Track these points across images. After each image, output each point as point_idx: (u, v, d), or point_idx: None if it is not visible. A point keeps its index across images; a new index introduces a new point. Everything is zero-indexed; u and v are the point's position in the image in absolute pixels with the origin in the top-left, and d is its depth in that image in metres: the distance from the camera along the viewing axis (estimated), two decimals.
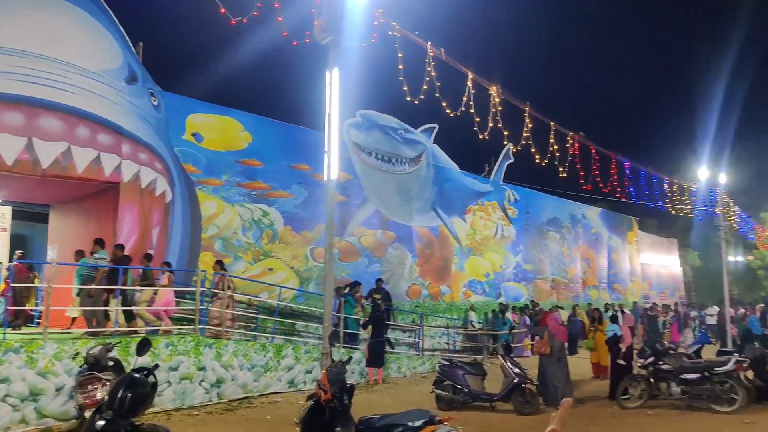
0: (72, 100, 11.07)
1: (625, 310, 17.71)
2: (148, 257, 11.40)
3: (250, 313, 12.89)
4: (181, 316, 11.48)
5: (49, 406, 8.35)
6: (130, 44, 12.54)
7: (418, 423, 4.57)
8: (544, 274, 24.83)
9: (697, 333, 18.57)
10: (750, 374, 10.48)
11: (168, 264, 11.65)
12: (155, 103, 12.98)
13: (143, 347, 5.38)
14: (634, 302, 26.37)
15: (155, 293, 10.75)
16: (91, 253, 10.49)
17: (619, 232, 31.26)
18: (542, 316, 14.60)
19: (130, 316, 10.66)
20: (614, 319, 12.64)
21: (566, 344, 11.43)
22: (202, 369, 10.04)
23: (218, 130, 14.13)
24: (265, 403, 10.33)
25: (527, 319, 19.02)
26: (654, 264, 34.50)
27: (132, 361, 5.94)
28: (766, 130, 36.74)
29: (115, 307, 10.39)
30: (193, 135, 13.63)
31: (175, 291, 11.18)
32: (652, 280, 34.10)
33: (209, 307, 11.19)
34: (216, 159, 13.90)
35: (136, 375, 4.25)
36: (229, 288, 11.42)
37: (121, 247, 10.99)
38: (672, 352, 10.97)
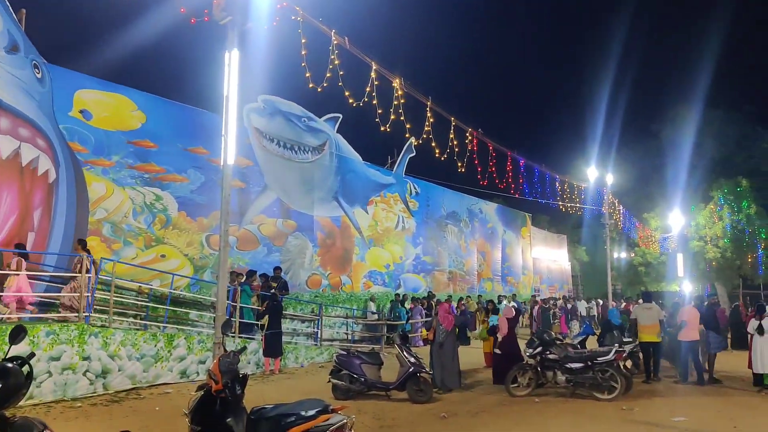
0: None
1: (505, 302, 18.54)
2: None
3: (140, 301, 12.23)
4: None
5: None
6: (11, 10, 11.52)
7: (311, 412, 4.51)
8: (442, 266, 25.49)
9: (583, 325, 19.74)
10: (629, 363, 11.21)
11: (19, 246, 10.73)
12: (39, 75, 12.03)
13: (17, 335, 4.97)
14: (532, 295, 27.79)
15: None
16: None
17: (513, 227, 32.70)
18: (438, 307, 14.94)
19: None
20: (496, 311, 13.23)
21: (454, 332, 11.79)
22: (86, 359, 9.45)
23: (109, 108, 13.30)
24: (155, 395, 9.87)
25: (421, 309, 19.42)
26: (545, 258, 36.40)
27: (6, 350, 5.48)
28: (650, 135, 39.27)
29: None
30: (81, 112, 12.75)
31: (58, 276, 10.40)
32: (543, 273, 35.97)
33: (62, 291, 10.50)
34: (106, 138, 13.08)
35: (8, 364, 3.93)
36: (87, 271, 10.51)
37: None
38: (559, 342, 11.55)
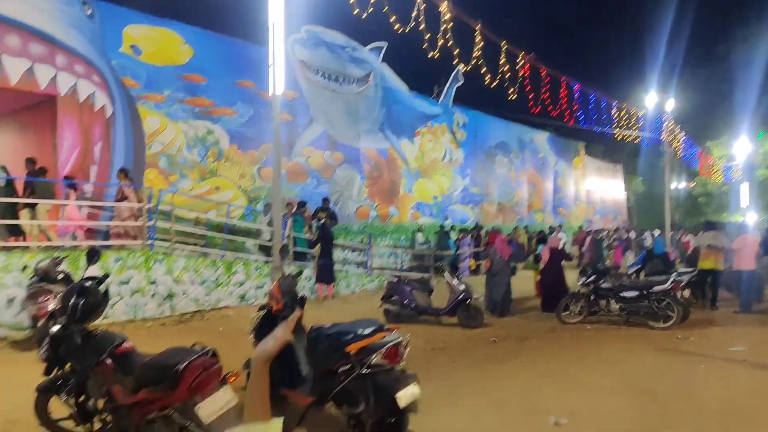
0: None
1: (555, 232, 18.29)
2: (42, 171, 10.68)
3: (199, 230, 12.68)
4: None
5: (1, 317, 8.33)
6: None
7: (368, 330, 4.64)
8: (490, 197, 25.29)
9: (638, 255, 19.42)
10: (687, 293, 10.99)
11: (67, 179, 11.21)
12: (89, 12, 12.14)
13: (93, 255, 5.27)
14: (580, 226, 27.30)
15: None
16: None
17: (566, 157, 31.90)
18: (490, 237, 14.95)
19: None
20: (545, 241, 13.18)
21: (509, 262, 11.83)
22: (153, 283, 10.02)
23: (158, 43, 13.39)
24: (217, 317, 10.40)
25: (469, 239, 19.45)
26: (598, 189, 35.56)
27: (82, 272, 5.87)
28: (716, 58, 36.91)
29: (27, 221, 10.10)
30: (132, 47, 12.89)
31: (121, 206, 10.88)
32: (597, 204, 35.26)
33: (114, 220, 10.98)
34: (156, 73, 13.24)
35: (87, 283, 4.20)
36: (127, 199, 10.87)
37: (31, 161, 10.50)
38: (613, 272, 11.42)
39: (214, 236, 12.99)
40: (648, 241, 27.29)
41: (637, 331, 9.76)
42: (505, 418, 5.26)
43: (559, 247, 12.43)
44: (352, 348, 4.55)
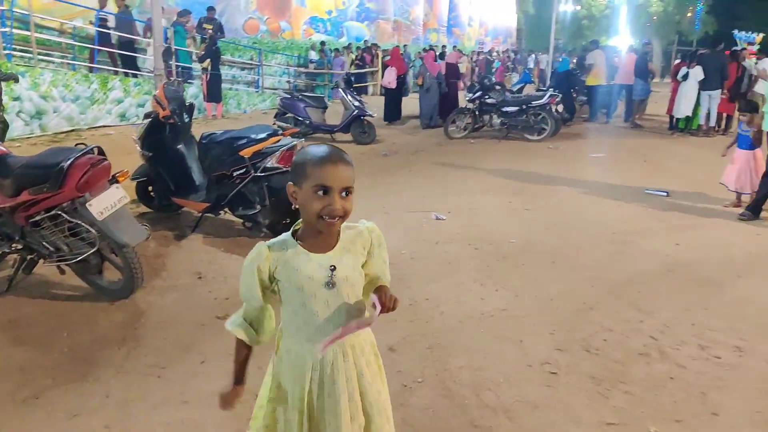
0: None
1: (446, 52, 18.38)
2: None
3: (65, 40, 11.47)
4: None
5: None
6: None
7: (261, 135, 4.64)
8: (386, 14, 24.47)
9: (521, 74, 20.08)
10: (560, 107, 11.83)
11: None
12: None
13: None
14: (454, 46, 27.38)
15: None
16: None
17: None
18: (391, 53, 14.77)
19: None
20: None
21: (440, 78, 12.49)
22: (16, 99, 9.10)
23: None
24: (96, 136, 9.82)
25: (343, 60, 19.03)
26: (491, 10, 35.28)
27: None
28: None
29: None
30: None
31: None
32: (488, 26, 35.18)
33: None
34: None
35: None
36: None
37: None
38: (498, 88, 11.87)
39: (85, 47, 11.83)
40: (531, 63, 28.15)
41: (515, 143, 10.58)
42: (394, 216, 5.66)
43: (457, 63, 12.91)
44: (247, 152, 4.56)
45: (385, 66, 14.81)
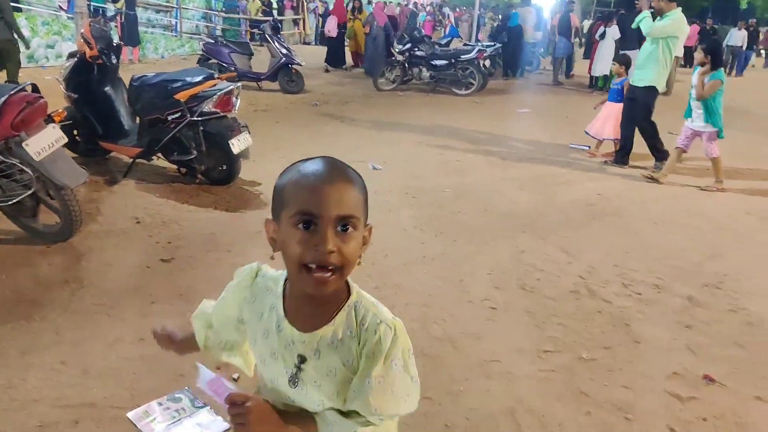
0: None
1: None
2: None
3: None
4: None
5: None
6: None
7: (197, 78, 4.50)
8: None
9: (449, 29, 20.14)
10: (487, 62, 12.09)
11: None
12: None
13: None
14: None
15: None
16: None
17: None
18: (376, 4, 14.56)
19: None
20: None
21: (386, 27, 12.71)
22: None
23: None
24: (2, 80, 9.13)
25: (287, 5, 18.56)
26: None
27: None
28: None
29: None
30: None
31: None
32: None
33: None
34: None
35: None
36: None
37: None
38: (426, 41, 11.92)
39: None
40: (465, 16, 28.19)
41: (442, 97, 10.77)
42: None
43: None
44: (182, 96, 4.43)
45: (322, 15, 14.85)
